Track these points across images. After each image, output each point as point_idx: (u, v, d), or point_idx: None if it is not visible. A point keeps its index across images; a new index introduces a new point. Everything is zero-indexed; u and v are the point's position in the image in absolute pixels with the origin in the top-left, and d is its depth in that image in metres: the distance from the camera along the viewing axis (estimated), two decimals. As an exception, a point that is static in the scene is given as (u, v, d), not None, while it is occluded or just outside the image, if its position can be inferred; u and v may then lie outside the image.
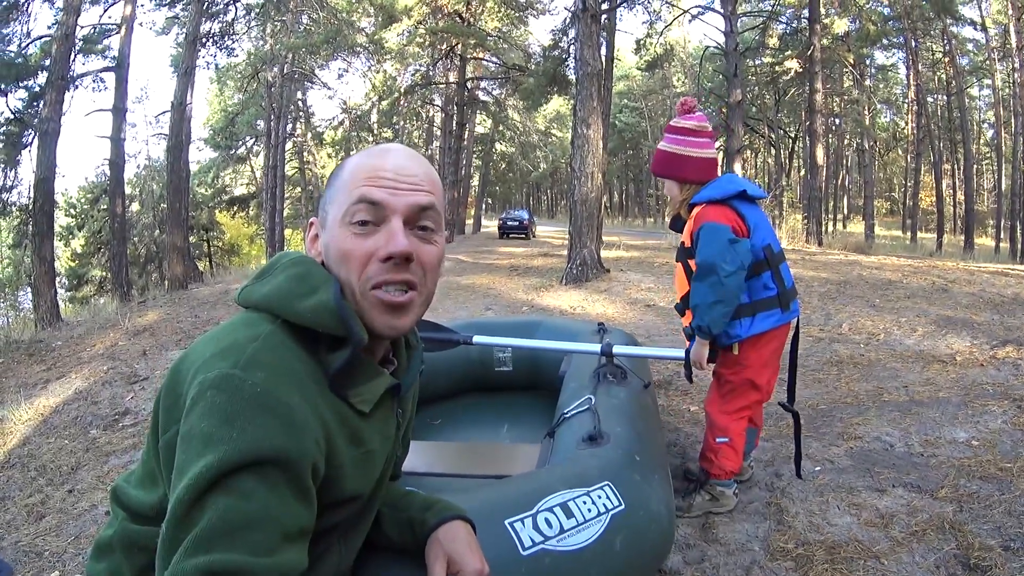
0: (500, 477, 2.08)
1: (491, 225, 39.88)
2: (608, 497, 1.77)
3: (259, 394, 0.83)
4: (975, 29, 23.83)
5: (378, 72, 29.28)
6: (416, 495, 1.24)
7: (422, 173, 1.02)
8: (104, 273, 24.92)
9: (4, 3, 15.52)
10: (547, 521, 1.64)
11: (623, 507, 1.76)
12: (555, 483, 1.77)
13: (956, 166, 29.55)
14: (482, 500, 1.64)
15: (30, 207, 14.48)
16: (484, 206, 52.99)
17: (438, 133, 33.56)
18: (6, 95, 15.45)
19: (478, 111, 32.23)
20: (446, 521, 1.15)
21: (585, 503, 1.72)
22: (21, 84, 15.81)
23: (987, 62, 24.91)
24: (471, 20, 25.31)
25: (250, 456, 0.80)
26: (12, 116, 15.68)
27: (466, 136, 31.76)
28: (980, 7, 22.75)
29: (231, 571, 0.76)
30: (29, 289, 15.96)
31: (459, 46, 26.14)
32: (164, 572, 0.78)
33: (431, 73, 29.08)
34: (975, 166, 30.75)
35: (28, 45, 16.14)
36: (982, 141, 36.61)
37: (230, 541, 0.77)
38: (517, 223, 30.26)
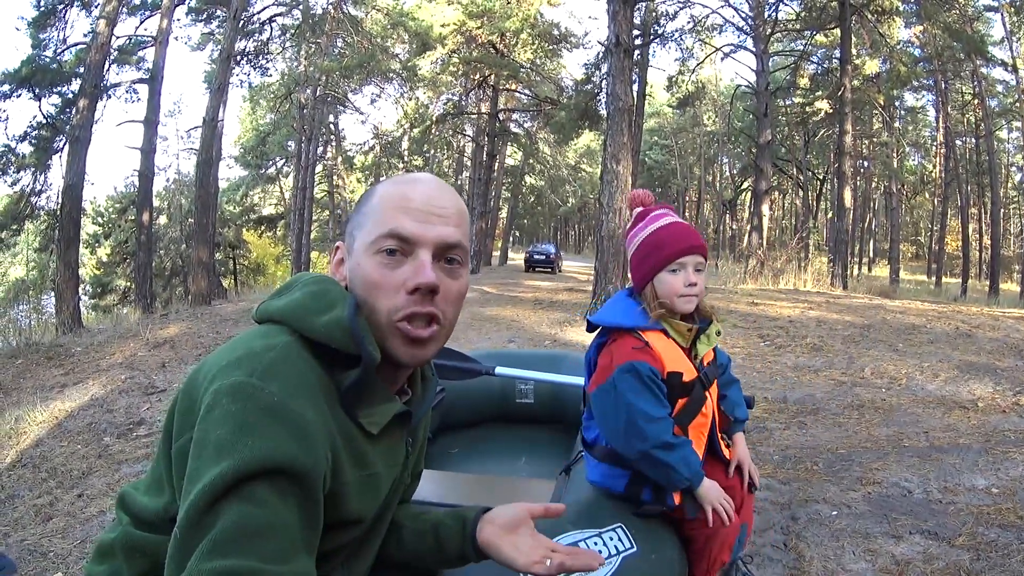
0: None
1: (517, 258, 39.95)
2: (620, 539, 1.73)
3: (274, 404, 0.84)
4: (1005, 70, 23.63)
5: (410, 99, 29.59)
6: (433, 509, 1.25)
7: (451, 206, 1.02)
8: (128, 283, 25.12)
9: (41, 8, 15.85)
10: (556, 563, 1.61)
11: (635, 550, 1.73)
12: (566, 523, 1.74)
13: (983, 210, 29.28)
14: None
15: (58, 212, 14.70)
16: (511, 239, 53.14)
17: (468, 163, 33.98)
18: (40, 100, 15.74)
19: (509, 143, 32.48)
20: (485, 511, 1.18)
21: (596, 544, 1.69)
22: (55, 90, 16.12)
23: (1017, 104, 24.72)
24: (505, 52, 25.53)
25: (264, 465, 0.80)
26: (45, 121, 15.96)
27: (496, 167, 32.01)
28: (1011, 48, 22.55)
29: None
30: (52, 293, 16.08)
31: (492, 77, 26.45)
32: (178, 574, 0.78)
33: (463, 103, 29.46)
34: (1002, 210, 30.43)
35: (63, 51, 16.47)
36: (1010, 185, 36.24)
37: (245, 547, 0.77)
38: (543, 257, 30.42)
